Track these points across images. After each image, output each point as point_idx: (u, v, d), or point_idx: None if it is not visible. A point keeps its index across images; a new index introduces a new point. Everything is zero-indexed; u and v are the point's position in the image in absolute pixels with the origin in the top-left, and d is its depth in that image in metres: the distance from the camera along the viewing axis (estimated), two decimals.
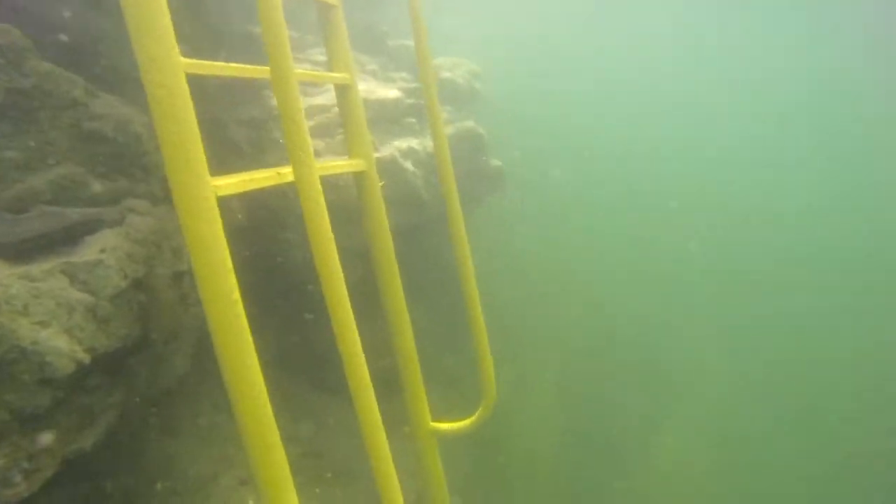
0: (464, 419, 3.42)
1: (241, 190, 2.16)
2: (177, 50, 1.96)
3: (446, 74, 6.49)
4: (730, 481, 8.18)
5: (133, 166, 2.30)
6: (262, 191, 3.37)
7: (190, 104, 1.99)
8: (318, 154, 3.85)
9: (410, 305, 5.53)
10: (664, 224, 10.88)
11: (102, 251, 1.89)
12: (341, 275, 2.08)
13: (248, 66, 2.28)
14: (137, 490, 2.62)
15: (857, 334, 10.67)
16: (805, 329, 10.31)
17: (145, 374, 2.27)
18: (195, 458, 2.98)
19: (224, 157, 3.89)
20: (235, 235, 3.66)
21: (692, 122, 13.32)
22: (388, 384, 4.16)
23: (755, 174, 12.99)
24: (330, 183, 3.78)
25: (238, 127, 4.04)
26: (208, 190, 2.02)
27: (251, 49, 4.44)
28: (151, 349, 2.24)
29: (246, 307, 2.13)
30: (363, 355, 2.13)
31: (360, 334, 4.45)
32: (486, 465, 5.77)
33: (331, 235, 2.05)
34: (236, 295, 2.07)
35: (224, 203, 2.19)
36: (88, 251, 1.87)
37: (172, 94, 1.94)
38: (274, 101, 4.23)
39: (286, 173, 2.32)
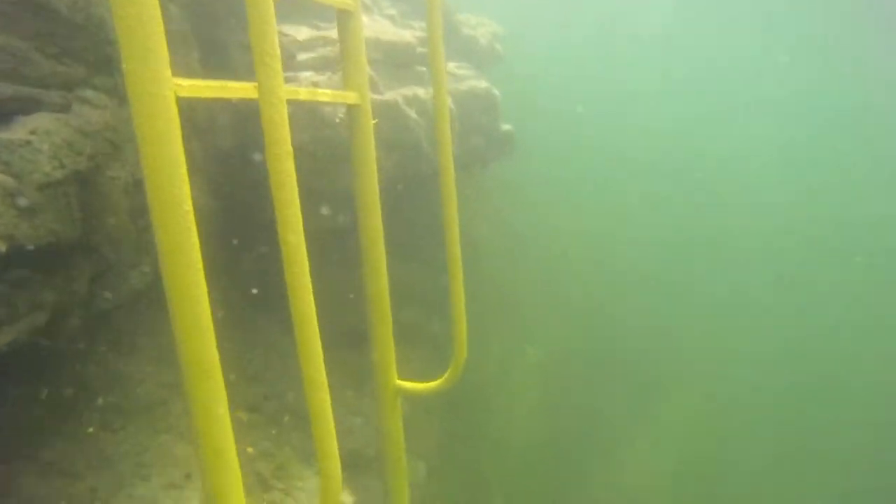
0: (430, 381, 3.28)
1: (204, 95, 1.99)
2: None
3: (468, 31, 6.25)
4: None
5: (92, 54, 2.12)
6: (247, 112, 3.22)
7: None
8: (316, 86, 3.67)
9: (401, 262, 5.39)
10: (684, 195, 10.62)
11: (33, 133, 1.73)
12: (298, 211, 1.89)
13: None
14: (76, 401, 2.51)
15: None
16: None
17: (87, 281, 2.13)
18: (145, 380, 2.86)
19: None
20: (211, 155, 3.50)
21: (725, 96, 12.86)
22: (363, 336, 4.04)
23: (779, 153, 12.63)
24: (323, 118, 3.62)
25: (239, 51, 3.87)
26: (167, 87, 1.85)
27: None
28: (95, 255, 2.10)
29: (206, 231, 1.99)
30: (313, 305, 1.95)
31: (341, 281, 4.34)
32: (457, 436, 5.66)
33: (291, 168, 1.86)
34: (188, 206, 1.91)
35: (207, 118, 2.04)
36: (17, 130, 1.71)
37: None
38: (281, 27, 4.06)
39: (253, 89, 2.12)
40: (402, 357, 5.02)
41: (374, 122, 3.07)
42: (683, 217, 10.45)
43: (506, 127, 5.59)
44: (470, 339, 3.63)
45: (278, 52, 1.78)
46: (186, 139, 3.28)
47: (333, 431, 2.03)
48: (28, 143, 1.69)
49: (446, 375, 3.23)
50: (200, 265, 1.95)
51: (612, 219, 9.32)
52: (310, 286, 1.91)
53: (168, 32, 2.99)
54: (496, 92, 5.32)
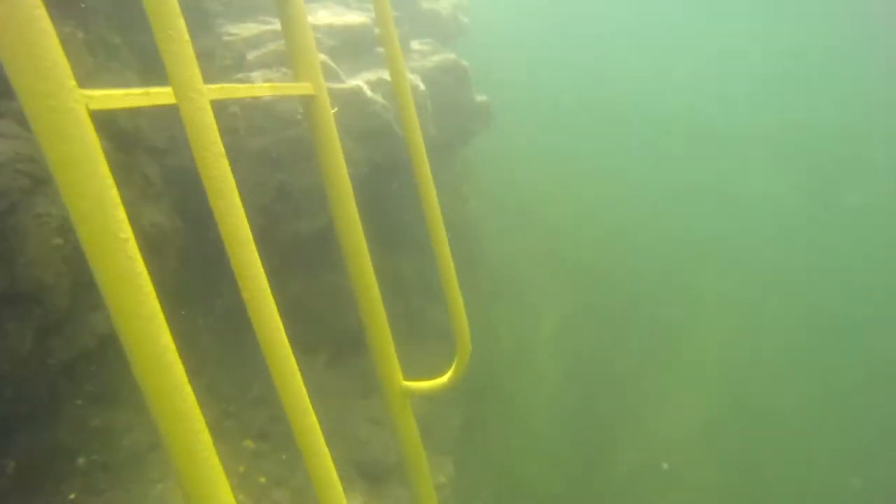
0: (436, 377, 3.04)
1: (122, 105, 1.73)
2: None
3: (428, 6, 5.95)
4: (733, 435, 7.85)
5: None
6: None
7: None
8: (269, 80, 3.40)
9: (393, 254, 5.15)
10: (677, 144, 10.31)
11: None
12: (244, 220, 1.62)
13: None
14: (53, 467, 2.27)
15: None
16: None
17: (33, 336, 1.89)
18: (131, 429, 2.63)
19: None
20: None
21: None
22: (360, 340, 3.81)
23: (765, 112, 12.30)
24: (282, 118, 3.36)
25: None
26: (73, 100, 1.60)
27: None
28: (35, 306, 1.86)
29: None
30: (274, 309, 1.70)
31: (334, 284, 4.09)
32: (481, 425, 5.45)
33: (226, 170, 1.59)
34: (125, 233, 1.66)
35: None
36: None
37: None
38: (224, 27, 3.78)
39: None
40: (415, 351, 4.82)
41: (333, 111, 2.82)
42: (678, 167, 10.16)
43: (480, 98, 5.32)
44: (478, 322, 3.40)
45: (187, 38, 1.52)
46: (139, 164, 3.04)
47: (328, 457, 1.80)
48: None
49: (452, 370, 3.00)
50: (152, 295, 1.71)
51: (604, 181, 9.04)
52: (271, 302, 1.66)
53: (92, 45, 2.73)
54: (465, 63, 5.04)
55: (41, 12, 1.52)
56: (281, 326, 1.71)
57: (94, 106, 1.65)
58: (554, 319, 7.06)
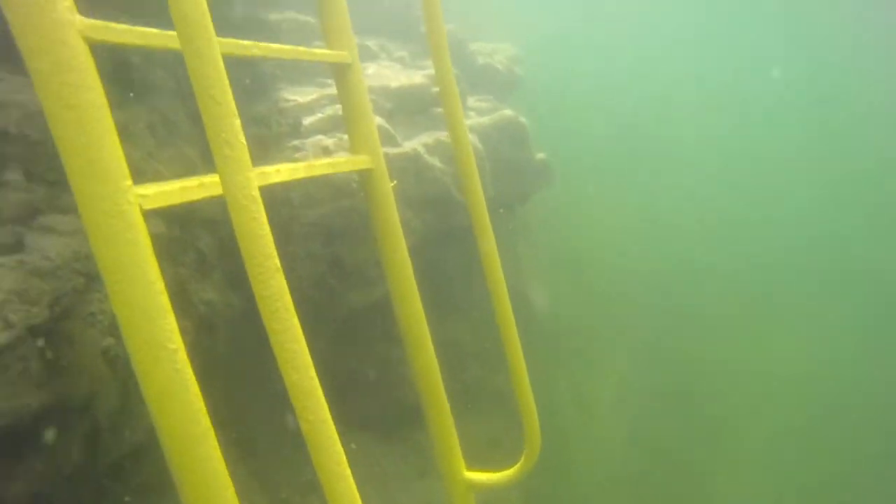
0: (504, 469, 2.80)
1: (175, 201, 1.61)
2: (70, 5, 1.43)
3: (484, 60, 5.88)
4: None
5: (55, 171, 1.78)
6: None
7: (94, 80, 1.45)
8: (328, 152, 3.31)
9: (446, 321, 4.95)
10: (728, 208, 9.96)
11: None
12: (303, 345, 1.44)
13: (156, 32, 1.70)
14: None
15: None
16: None
17: (76, 444, 1.75)
18: None
19: None
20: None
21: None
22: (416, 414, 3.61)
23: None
24: (337, 186, 3.24)
25: (246, 125, 3.55)
26: (127, 201, 1.48)
27: (264, 33, 3.95)
28: (83, 413, 1.73)
29: None
30: (320, 394, 1.50)
31: (378, 360, 3.91)
32: (543, 498, 5.12)
33: (283, 288, 1.42)
34: (176, 342, 1.53)
35: None
36: None
37: (66, 64, 1.41)
38: (281, 93, 3.73)
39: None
40: (474, 422, 4.59)
41: (392, 184, 2.68)
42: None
43: (539, 156, 5.15)
44: (536, 388, 3.18)
45: (243, 140, 1.38)
46: (193, 238, 2.95)
47: None
48: None
49: (521, 463, 2.76)
50: (202, 412, 1.55)
51: (663, 238, 8.73)
52: (331, 428, 1.47)
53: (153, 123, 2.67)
54: (523, 120, 4.90)
55: (105, 112, 1.43)
56: (336, 438, 1.51)
57: (148, 205, 1.54)
58: (614, 385, 6.71)
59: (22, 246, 1.58)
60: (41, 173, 1.80)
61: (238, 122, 1.38)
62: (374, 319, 3.49)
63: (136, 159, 2.28)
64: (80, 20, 1.46)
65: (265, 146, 3.39)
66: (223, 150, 1.33)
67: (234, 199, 1.33)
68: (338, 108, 3.58)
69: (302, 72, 4.16)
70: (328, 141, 3.36)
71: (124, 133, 2.01)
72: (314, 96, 3.59)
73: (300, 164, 2.25)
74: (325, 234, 3.14)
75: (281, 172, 2.06)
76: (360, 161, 2.55)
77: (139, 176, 1.62)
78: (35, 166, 1.77)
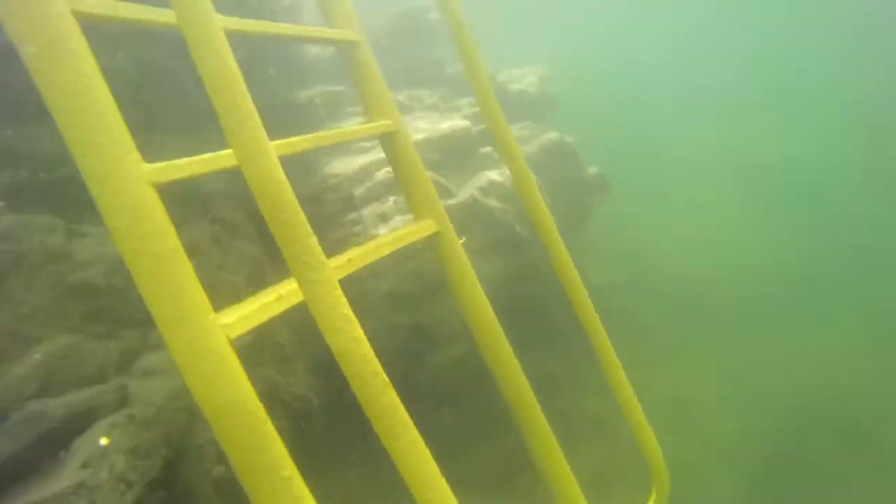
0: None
1: (256, 323, 1.57)
2: (135, 153, 1.42)
3: (515, 87, 5.80)
4: None
5: (142, 310, 1.78)
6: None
7: (168, 225, 1.44)
8: (385, 219, 3.27)
9: (537, 356, 4.81)
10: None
11: (85, 466, 1.35)
12: (429, 458, 1.35)
13: (217, 155, 1.67)
14: None
15: None
16: None
17: None
18: None
19: None
20: None
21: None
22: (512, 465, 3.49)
23: None
24: (400, 252, 3.18)
25: (302, 205, 3.55)
26: (215, 337, 1.44)
27: (291, 117, 3.98)
28: None
29: None
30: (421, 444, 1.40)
31: (476, 412, 3.79)
32: None
33: (382, 377, 1.35)
34: (288, 470, 1.47)
35: None
36: (68, 474, 1.34)
37: (142, 217, 1.40)
38: (330, 168, 3.73)
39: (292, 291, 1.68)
40: (579, 453, 4.41)
41: (461, 240, 2.60)
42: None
43: (592, 170, 5.01)
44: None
45: (324, 259, 1.32)
46: (271, 334, 2.94)
47: None
48: (81, 485, 1.31)
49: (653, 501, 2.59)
50: None
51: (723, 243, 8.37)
52: None
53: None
54: (569, 139, 4.78)
55: (179, 253, 1.41)
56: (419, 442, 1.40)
57: (234, 334, 1.50)
58: (715, 382, 6.36)
59: (125, 399, 1.56)
60: (130, 316, 1.79)
61: (315, 240, 1.32)
62: (464, 373, 3.39)
63: (209, 276, 2.27)
64: (147, 167, 1.45)
65: (322, 226, 3.38)
66: (306, 273, 1.26)
67: (327, 321, 1.26)
68: (385, 173, 3.55)
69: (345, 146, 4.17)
70: (383, 207, 3.32)
71: (193, 252, 1.99)
72: (359, 165, 3.56)
73: (369, 247, 2.19)
74: (401, 301, 3.08)
75: (353, 262, 2.01)
76: (427, 227, 2.48)
77: (214, 292, 1.59)
78: (124, 312, 1.77)
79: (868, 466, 5.71)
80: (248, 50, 3.49)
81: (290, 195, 1.33)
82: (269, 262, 2.83)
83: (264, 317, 1.60)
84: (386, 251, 2.22)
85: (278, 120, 4.02)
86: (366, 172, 3.54)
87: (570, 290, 2.81)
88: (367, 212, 3.28)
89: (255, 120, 1.29)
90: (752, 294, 7.70)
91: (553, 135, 4.73)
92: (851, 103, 12.54)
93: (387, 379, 1.29)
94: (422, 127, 4.16)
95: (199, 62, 1.27)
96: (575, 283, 2.81)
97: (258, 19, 2.71)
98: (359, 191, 3.45)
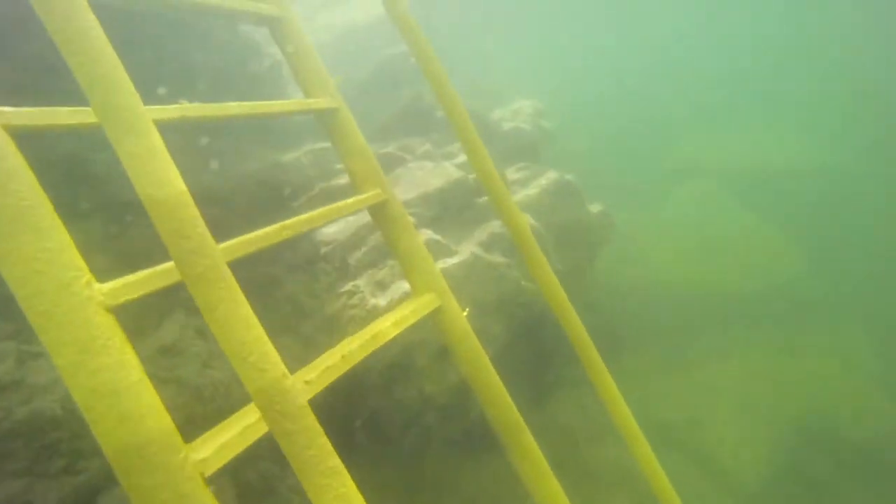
0: None
1: (236, 453, 1.36)
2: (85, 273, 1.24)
3: (509, 125, 5.66)
4: None
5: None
6: None
7: (130, 359, 1.25)
8: (384, 286, 3.08)
9: (546, 406, 4.58)
10: None
11: None
12: None
13: None
14: None
15: None
16: None
17: None
18: None
19: (286, 318, 3.22)
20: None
21: None
22: None
23: None
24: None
25: (294, 276, 3.36)
26: (185, 471, 1.24)
27: (280, 178, 3.82)
28: None
29: None
30: None
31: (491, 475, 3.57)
32: None
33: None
34: None
35: None
36: None
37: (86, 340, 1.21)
38: (321, 235, 3.55)
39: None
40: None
41: (465, 312, 2.40)
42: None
43: (595, 209, 4.83)
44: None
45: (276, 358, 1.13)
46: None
47: None
48: None
49: None
50: None
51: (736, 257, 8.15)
52: None
53: None
54: (569, 177, 4.61)
55: (143, 386, 1.21)
56: None
57: (209, 471, 1.30)
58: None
59: None
60: (93, 445, 1.59)
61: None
62: (481, 435, 3.17)
63: (193, 377, 2.08)
64: (100, 289, 1.27)
65: (316, 300, 3.19)
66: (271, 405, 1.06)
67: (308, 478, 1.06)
68: (379, 236, 3.37)
69: (331, 198, 4.01)
70: (380, 273, 3.13)
71: (173, 352, 1.80)
72: (353, 228, 3.39)
73: (366, 335, 1.99)
74: (405, 372, 2.87)
75: (347, 359, 1.81)
76: (427, 303, 2.29)
77: (198, 398, 1.38)
78: (85, 442, 1.57)
79: (869, 489, 5.36)
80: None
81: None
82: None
83: (243, 445, 1.40)
84: (385, 338, 2.02)
85: (268, 182, 3.87)
86: (359, 238, 3.37)
87: (577, 344, 2.63)
88: (365, 281, 3.10)
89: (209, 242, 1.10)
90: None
91: (553, 174, 4.56)
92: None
93: None
94: (416, 179, 4.00)
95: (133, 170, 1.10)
96: (581, 338, 2.62)
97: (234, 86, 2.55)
98: (353, 258, 3.27)
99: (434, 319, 2.34)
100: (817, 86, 13.36)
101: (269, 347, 1.25)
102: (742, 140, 11.54)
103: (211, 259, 1.14)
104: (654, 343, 6.16)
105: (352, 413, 3.15)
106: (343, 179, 4.24)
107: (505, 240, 3.57)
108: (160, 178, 1.14)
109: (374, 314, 2.86)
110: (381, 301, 2.93)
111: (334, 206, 2.17)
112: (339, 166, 4.40)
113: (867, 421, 5.95)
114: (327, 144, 4.45)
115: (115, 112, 1.14)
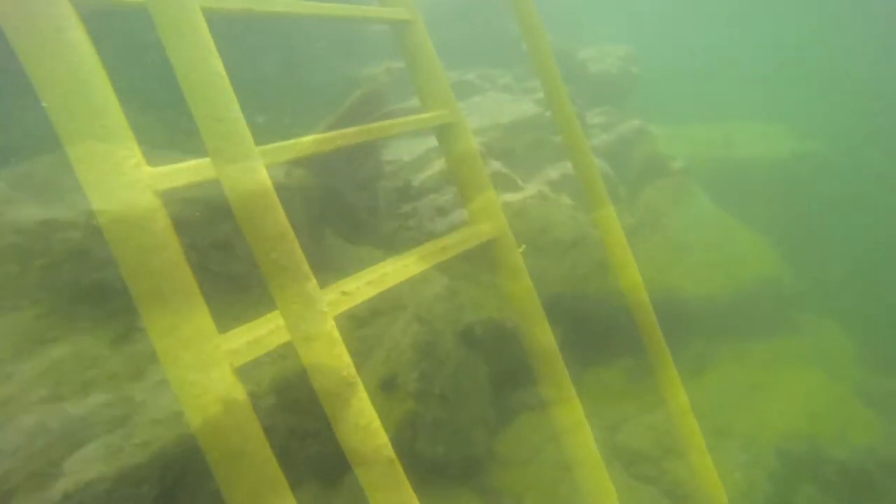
0: None
1: (261, 352, 1.37)
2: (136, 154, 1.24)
3: (596, 67, 5.40)
4: None
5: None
6: None
7: (172, 241, 1.25)
8: (443, 212, 3.03)
9: (599, 370, 4.47)
10: None
11: (67, 498, 1.20)
12: None
13: None
14: None
15: None
16: None
17: None
18: None
19: (350, 227, 3.23)
20: None
21: None
22: None
23: None
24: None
25: (355, 192, 3.36)
26: (218, 361, 1.26)
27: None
28: None
29: None
30: None
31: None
32: None
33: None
34: None
35: None
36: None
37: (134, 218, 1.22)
38: (387, 153, 3.51)
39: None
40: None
41: (521, 249, 2.33)
42: None
43: (676, 164, 4.59)
44: None
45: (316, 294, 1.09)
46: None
47: None
48: None
49: None
50: None
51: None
52: None
53: None
54: (652, 129, 4.38)
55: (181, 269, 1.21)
56: None
57: (239, 361, 1.31)
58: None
59: (131, 412, 1.41)
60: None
61: (312, 283, 1.10)
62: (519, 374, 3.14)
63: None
64: (149, 171, 1.26)
65: (374, 218, 3.17)
66: (298, 324, 1.04)
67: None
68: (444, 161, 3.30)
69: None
70: (442, 199, 3.07)
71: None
72: (419, 151, 3.33)
73: (412, 256, 1.95)
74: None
75: (388, 277, 1.78)
76: (482, 232, 2.22)
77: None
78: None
79: None
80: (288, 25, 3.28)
81: (282, 222, 1.10)
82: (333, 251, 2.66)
83: (275, 342, 1.40)
84: (433, 261, 1.98)
85: (338, 98, 3.83)
86: (424, 161, 3.30)
87: (632, 299, 2.54)
88: (424, 203, 3.05)
89: (243, 133, 1.06)
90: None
91: (635, 122, 4.34)
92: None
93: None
94: (490, 109, 3.87)
95: (173, 54, 1.06)
96: (638, 292, 2.52)
97: None
98: (417, 180, 3.22)
99: (486, 250, 2.28)
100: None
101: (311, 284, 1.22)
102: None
103: (244, 148, 1.10)
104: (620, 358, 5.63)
105: None
106: (412, 101, 4.17)
107: (575, 182, 3.44)
108: (194, 57, 1.10)
109: (430, 239, 2.82)
110: (439, 226, 2.89)
111: (395, 121, 2.10)
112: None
113: (852, 437, 5.48)
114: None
115: None
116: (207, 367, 1.28)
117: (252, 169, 1.09)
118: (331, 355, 1.09)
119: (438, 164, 3.29)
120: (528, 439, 3.29)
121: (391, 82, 4.20)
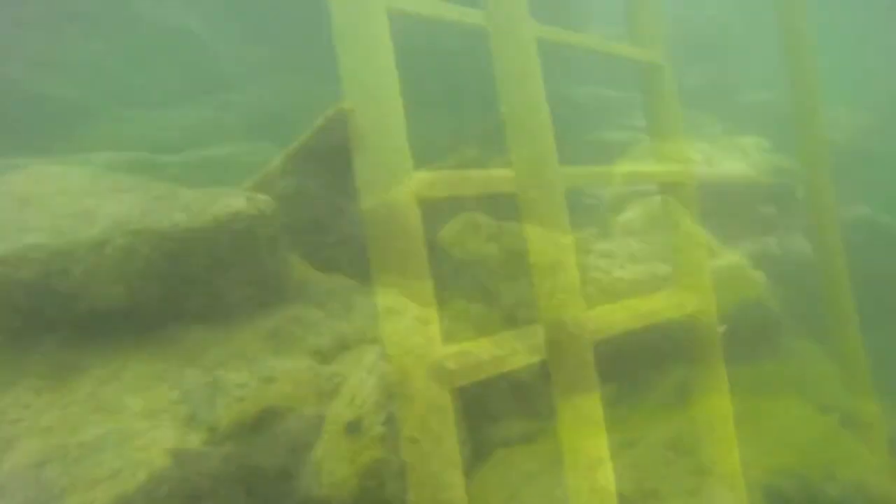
0: None
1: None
2: None
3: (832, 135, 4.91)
4: None
5: None
6: None
7: None
8: (635, 261, 2.87)
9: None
10: None
11: None
12: None
13: None
14: None
15: None
16: None
17: None
18: None
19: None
20: None
21: None
22: None
23: None
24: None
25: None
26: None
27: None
28: None
29: None
30: None
31: None
32: None
33: None
34: None
35: None
36: None
37: None
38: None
39: None
40: None
41: (721, 329, 2.13)
42: None
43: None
44: None
45: None
46: None
47: None
48: None
49: None
50: None
51: None
52: None
53: None
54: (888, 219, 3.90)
55: None
56: None
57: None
58: None
59: None
60: None
61: None
62: None
63: None
64: None
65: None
66: None
67: None
68: (651, 201, 3.11)
69: (602, 149, 3.78)
70: (636, 246, 2.90)
71: None
72: (618, 191, 3.17)
73: (617, 309, 1.83)
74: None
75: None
76: (684, 304, 2.05)
77: None
78: None
79: None
80: None
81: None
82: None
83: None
84: (640, 323, 1.84)
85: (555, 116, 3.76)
86: (624, 200, 3.15)
87: None
88: (619, 245, 2.90)
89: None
90: None
91: (862, 209, 3.88)
92: None
93: None
94: (704, 158, 3.63)
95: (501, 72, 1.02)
96: None
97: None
98: (621, 217, 3.08)
99: (685, 323, 2.10)
100: None
101: None
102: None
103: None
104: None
105: None
106: (616, 134, 4.00)
107: (773, 260, 3.14)
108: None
109: (616, 285, 2.67)
110: (626, 274, 2.73)
111: (637, 169, 1.98)
112: (620, 121, 4.16)
113: (840, 470, 4.60)
114: (612, 92, 4.21)
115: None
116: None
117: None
118: None
119: (639, 208, 3.12)
120: (504, 478, 3.06)
121: (597, 109, 4.07)
